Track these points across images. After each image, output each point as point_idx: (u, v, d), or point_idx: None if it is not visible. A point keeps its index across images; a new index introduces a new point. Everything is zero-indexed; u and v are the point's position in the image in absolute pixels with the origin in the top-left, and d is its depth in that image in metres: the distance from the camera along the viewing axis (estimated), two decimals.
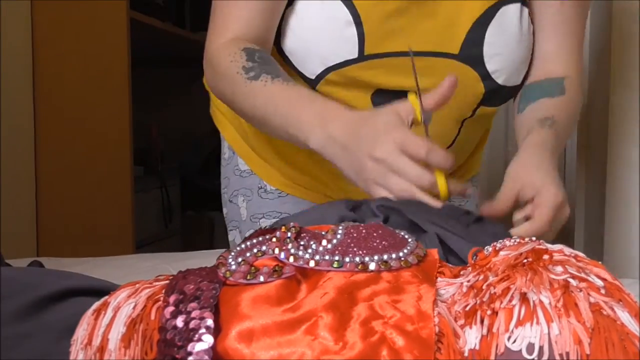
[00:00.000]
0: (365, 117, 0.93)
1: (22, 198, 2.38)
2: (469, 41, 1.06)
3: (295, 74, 1.10)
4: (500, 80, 1.09)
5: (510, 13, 1.07)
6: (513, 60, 1.09)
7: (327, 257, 0.64)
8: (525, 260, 0.61)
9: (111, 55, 2.44)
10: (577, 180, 1.77)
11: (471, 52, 1.07)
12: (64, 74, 2.42)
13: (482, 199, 1.28)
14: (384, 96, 1.08)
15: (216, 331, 0.58)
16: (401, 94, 1.06)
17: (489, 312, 0.57)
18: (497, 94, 1.11)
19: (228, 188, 1.33)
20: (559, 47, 1.14)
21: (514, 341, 0.55)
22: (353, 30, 1.03)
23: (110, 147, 2.46)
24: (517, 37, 1.08)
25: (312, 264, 0.64)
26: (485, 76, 1.08)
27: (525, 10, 1.09)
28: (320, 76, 1.07)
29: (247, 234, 1.22)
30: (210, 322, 0.57)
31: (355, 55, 1.05)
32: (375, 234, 0.68)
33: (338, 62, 1.05)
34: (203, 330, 0.57)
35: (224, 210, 1.37)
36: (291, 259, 0.64)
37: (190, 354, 0.55)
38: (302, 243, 0.67)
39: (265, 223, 1.25)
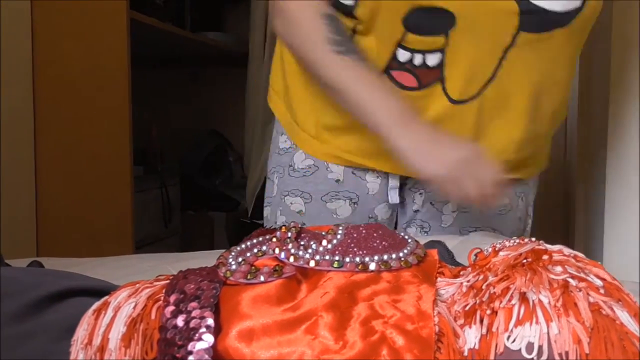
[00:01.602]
0: (441, 132, 1.06)
1: (22, 198, 2.38)
2: None
3: None
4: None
5: None
6: None
7: (327, 257, 0.64)
8: (524, 261, 0.61)
9: (111, 55, 2.43)
10: (577, 180, 1.77)
11: None
12: (63, 74, 2.42)
13: None
14: (417, 17, 1.06)
15: (216, 330, 0.58)
16: (437, 13, 1.04)
17: (488, 311, 0.57)
18: (534, 17, 1.05)
19: (269, 166, 1.37)
20: None
21: (514, 340, 0.55)
22: None
23: (110, 146, 2.46)
24: None
25: (312, 263, 0.64)
26: None
27: None
28: None
29: (277, 210, 1.31)
30: (210, 321, 0.57)
31: None
32: (375, 235, 0.68)
33: None
34: (203, 329, 0.57)
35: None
36: (291, 259, 0.65)
37: (190, 353, 0.55)
38: (302, 243, 0.67)
39: (289, 201, 1.28)
